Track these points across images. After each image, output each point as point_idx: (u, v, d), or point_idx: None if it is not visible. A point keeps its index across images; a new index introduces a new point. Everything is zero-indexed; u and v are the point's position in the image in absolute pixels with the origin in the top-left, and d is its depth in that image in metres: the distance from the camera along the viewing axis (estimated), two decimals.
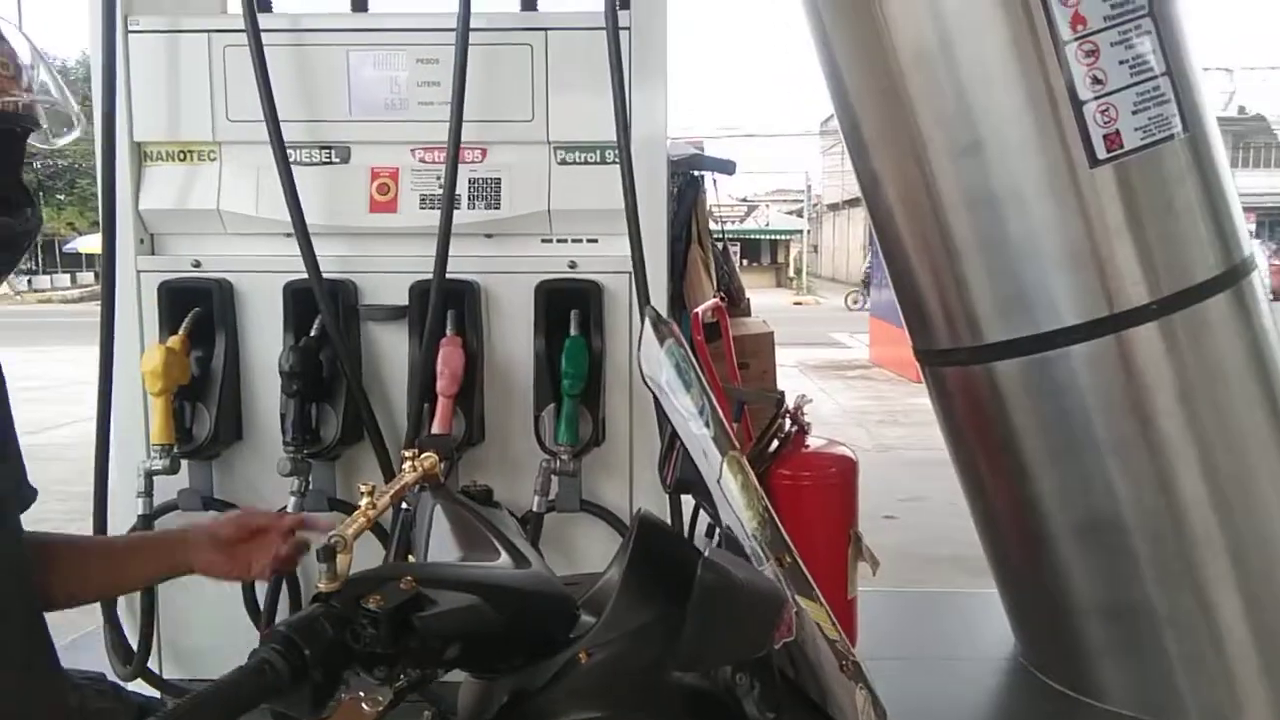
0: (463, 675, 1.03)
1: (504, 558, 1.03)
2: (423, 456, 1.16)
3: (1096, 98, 2.25)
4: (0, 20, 1.03)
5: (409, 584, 0.85)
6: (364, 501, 0.98)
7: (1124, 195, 2.29)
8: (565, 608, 0.98)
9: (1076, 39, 2.24)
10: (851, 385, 10.72)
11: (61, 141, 1.15)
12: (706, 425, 0.95)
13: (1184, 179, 2.33)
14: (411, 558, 1.21)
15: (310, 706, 0.81)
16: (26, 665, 1.17)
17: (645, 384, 0.94)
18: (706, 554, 0.79)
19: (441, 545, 1.08)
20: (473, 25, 2.23)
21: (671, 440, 1.24)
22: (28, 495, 1.23)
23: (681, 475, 1.13)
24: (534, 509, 2.30)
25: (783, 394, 2.62)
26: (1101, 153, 2.26)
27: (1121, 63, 2.25)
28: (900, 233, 2.60)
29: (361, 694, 0.82)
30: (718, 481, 0.92)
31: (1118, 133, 2.25)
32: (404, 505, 1.20)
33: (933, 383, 2.79)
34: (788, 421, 2.48)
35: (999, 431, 2.54)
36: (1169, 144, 2.28)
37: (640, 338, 0.93)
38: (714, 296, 3.59)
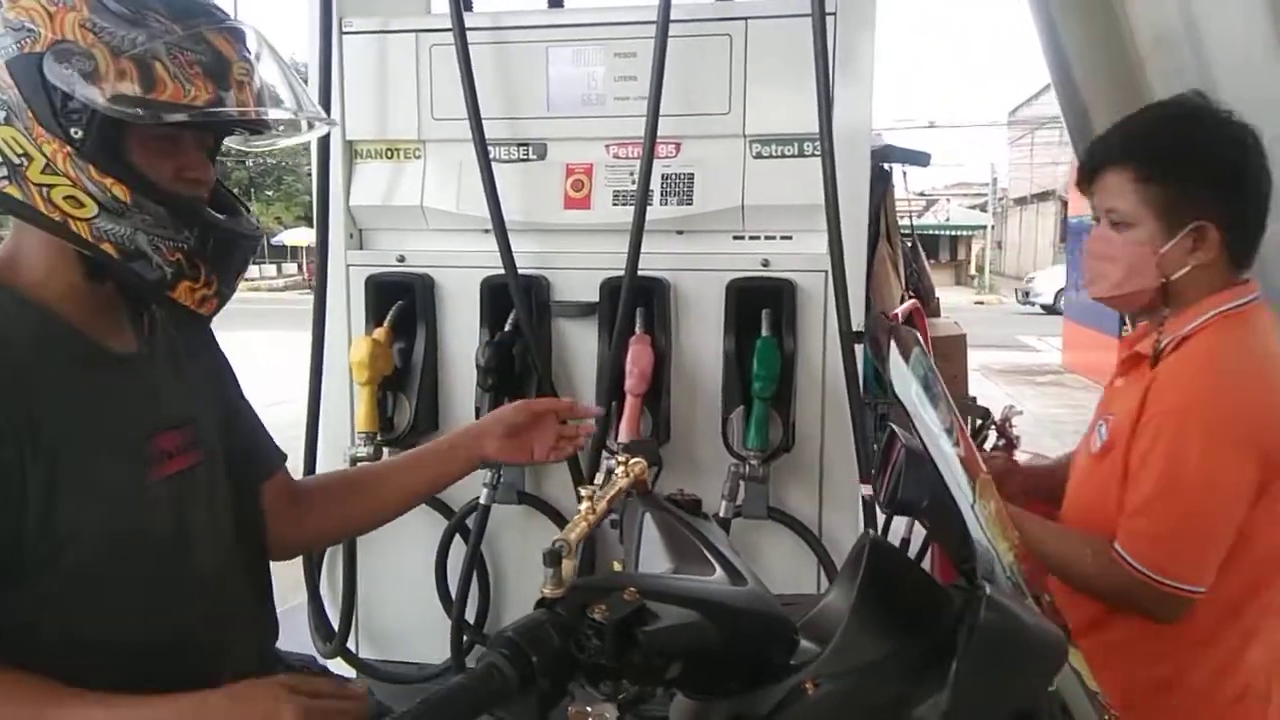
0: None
1: (719, 573, 0.97)
2: (632, 462, 1.13)
3: None
4: (256, 33, 1.07)
5: (633, 595, 0.81)
6: (583, 506, 0.95)
7: None
8: (786, 631, 0.91)
9: None
10: (1043, 392, 10.10)
11: (306, 138, 1.21)
12: (956, 444, 0.86)
13: None
14: (617, 565, 1.18)
15: (537, 716, 0.79)
16: (259, 653, 1.24)
17: (892, 396, 0.86)
18: (988, 591, 0.70)
19: (653, 555, 1.04)
20: (672, 17, 2.19)
21: (886, 453, 1.15)
22: (276, 459, 1.37)
23: (903, 495, 1.04)
24: (720, 514, 2.24)
25: (978, 404, 2.45)
26: None
27: None
28: None
29: (588, 709, 0.78)
30: (972, 506, 0.83)
31: None
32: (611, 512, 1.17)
33: None
34: (994, 434, 2.30)
35: None
36: None
37: (886, 346, 0.85)
38: (902, 296, 3.42)
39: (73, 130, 0.97)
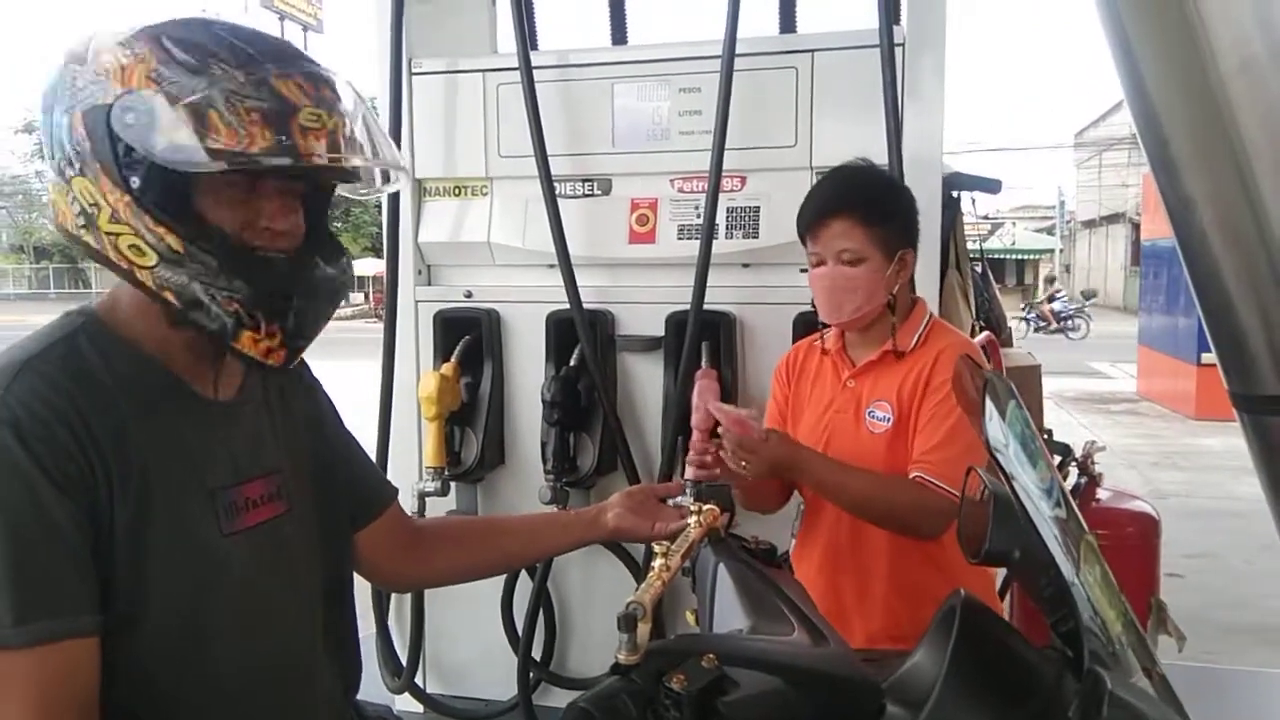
0: None
1: (798, 632, 0.93)
2: (705, 510, 1.10)
3: None
4: (344, 80, 1.06)
5: (712, 662, 0.78)
6: (658, 563, 0.92)
7: None
8: (873, 697, 0.87)
9: None
10: (1118, 421, 9.76)
11: (390, 190, 1.19)
12: (1058, 505, 0.81)
13: None
14: (690, 615, 1.14)
15: None
16: (335, 705, 1.23)
17: (989, 450, 0.82)
18: (1111, 685, 0.66)
19: (728, 610, 1.00)
20: (737, 50, 2.18)
21: (979, 501, 1.10)
22: (386, 495, 1.37)
23: (991, 547, 0.99)
24: (790, 551, 2.19)
25: (1057, 441, 2.36)
26: None
27: None
28: (1217, 262, 2.26)
29: None
30: (1076, 574, 0.78)
31: None
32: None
33: (1254, 432, 2.40)
34: (1075, 471, 2.22)
35: None
36: None
37: (980, 396, 0.81)
38: (973, 325, 3.33)
39: (132, 180, 0.97)
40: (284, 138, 0.97)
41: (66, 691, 0.93)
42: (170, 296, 1.00)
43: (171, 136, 0.95)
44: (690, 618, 1.16)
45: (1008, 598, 2.40)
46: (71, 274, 38.20)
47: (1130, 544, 2.19)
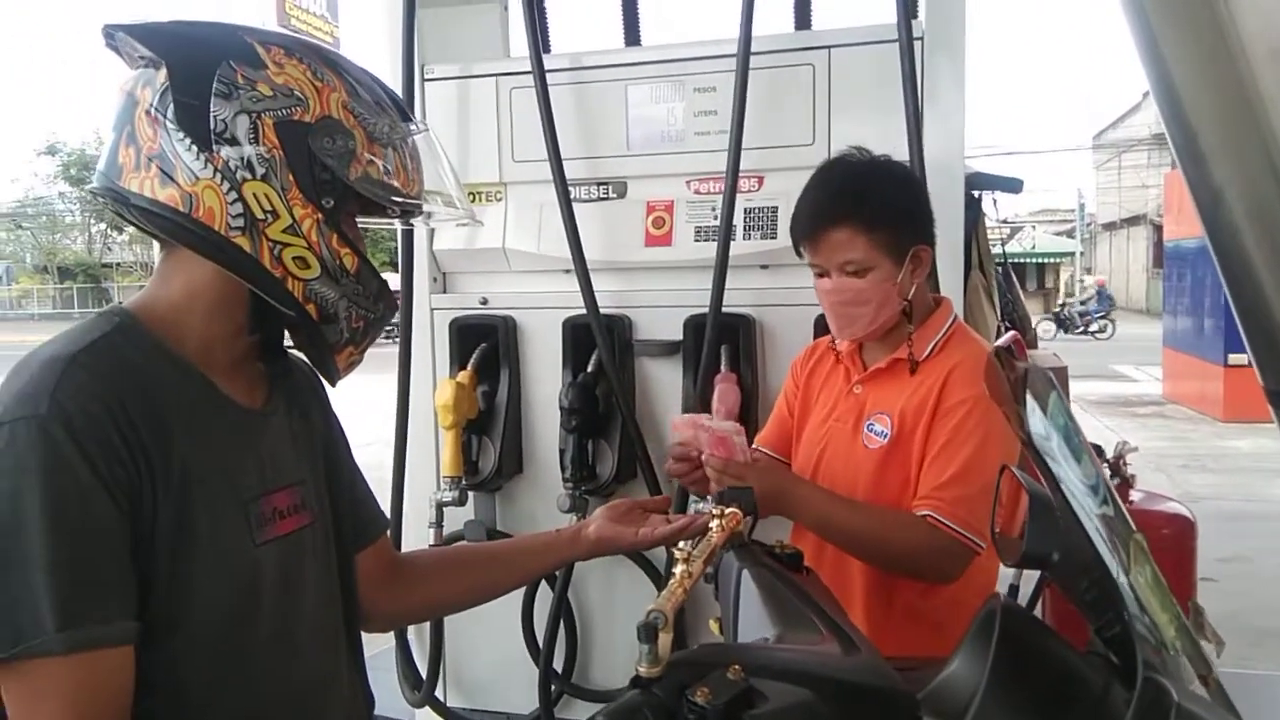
0: None
1: (829, 640, 0.89)
2: (727, 513, 1.06)
3: None
4: (423, 128, 1.16)
5: (737, 674, 0.74)
6: (679, 570, 0.88)
7: None
8: (908, 708, 0.83)
9: None
10: (1145, 424, 9.63)
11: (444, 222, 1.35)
12: (1105, 503, 0.77)
13: None
14: (714, 623, 1.10)
15: None
16: (365, 707, 1.22)
17: (1026, 444, 0.77)
18: (1177, 699, 0.61)
19: (753, 618, 0.96)
20: (752, 49, 2.15)
21: (1004, 499, 1.06)
22: (378, 525, 1.36)
23: (1029, 548, 0.94)
24: None
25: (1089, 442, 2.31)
26: None
27: None
28: (1249, 256, 2.19)
29: None
30: (1126, 574, 0.73)
31: None
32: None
33: None
34: (1107, 472, 2.16)
35: None
36: None
37: (1018, 389, 0.76)
38: (998, 326, 3.28)
39: (324, 200, 1.03)
40: (421, 185, 1.13)
41: (102, 700, 0.91)
42: (312, 309, 1.06)
43: (366, 169, 1.05)
44: (714, 627, 1.12)
45: (1039, 604, 2.34)
46: (95, 294, 38.66)
47: (1166, 546, 2.13)
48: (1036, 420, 0.75)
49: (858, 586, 1.61)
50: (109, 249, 38.46)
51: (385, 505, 2.40)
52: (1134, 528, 0.77)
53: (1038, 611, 2.25)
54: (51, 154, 36.33)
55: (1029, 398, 0.74)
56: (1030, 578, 1.78)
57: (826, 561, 1.60)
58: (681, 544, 0.92)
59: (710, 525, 1.03)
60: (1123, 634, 0.77)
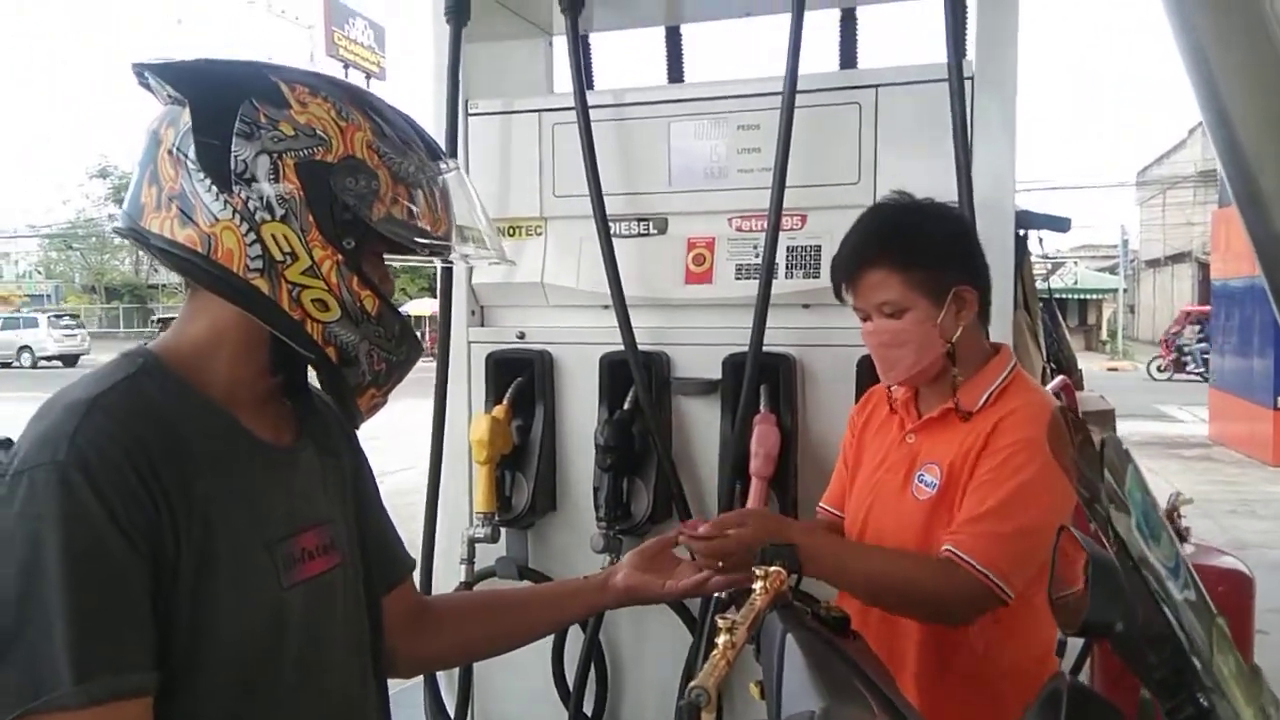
0: None
1: (879, 717, 0.84)
2: (771, 572, 1.02)
3: None
4: (458, 171, 1.14)
5: None
6: (722, 640, 0.84)
7: None
8: None
9: None
10: (1190, 467, 9.39)
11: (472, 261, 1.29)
12: (1186, 587, 0.72)
13: None
14: (755, 687, 1.06)
15: None
16: None
17: (1101, 525, 0.72)
18: None
19: (798, 687, 0.92)
20: (798, 87, 2.12)
21: (1061, 563, 1.00)
22: (404, 566, 1.34)
23: (1091, 616, 0.89)
24: None
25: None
26: None
27: None
28: None
29: None
30: (1209, 663, 0.68)
31: None
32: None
33: None
34: None
35: None
36: None
37: (1100, 463, 0.72)
38: (1045, 367, 3.20)
39: (346, 240, 1.01)
40: (450, 224, 1.11)
41: None
42: (332, 351, 1.03)
43: (390, 209, 1.02)
44: (754, 691, 1.07)
45: (1085, 668, 2.25)
46: (141, 314, 39.48)
47: (1222, 605, 2.04)
48: (1111, 490, 0.71)
49: (910, 651, 1.55)
50: (155, 270, 39.30)
51: (417, 537, 2.39)
52: (1215, 611, 0.72)
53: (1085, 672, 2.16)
54: (103, 176, 37.34)
55: (1106, 473, 0.70)
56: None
57: (872, 621, 1.54)
58: (725, 616, 0.88)
59: (754, 587, 0.98)
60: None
